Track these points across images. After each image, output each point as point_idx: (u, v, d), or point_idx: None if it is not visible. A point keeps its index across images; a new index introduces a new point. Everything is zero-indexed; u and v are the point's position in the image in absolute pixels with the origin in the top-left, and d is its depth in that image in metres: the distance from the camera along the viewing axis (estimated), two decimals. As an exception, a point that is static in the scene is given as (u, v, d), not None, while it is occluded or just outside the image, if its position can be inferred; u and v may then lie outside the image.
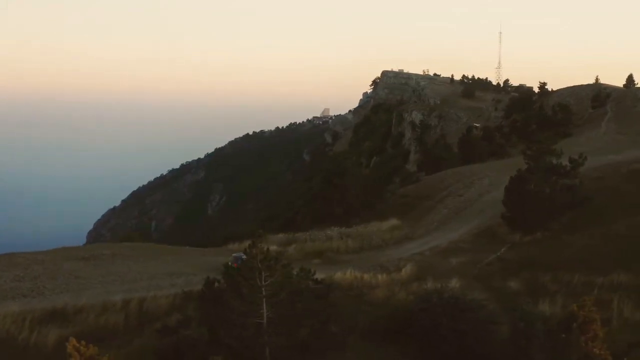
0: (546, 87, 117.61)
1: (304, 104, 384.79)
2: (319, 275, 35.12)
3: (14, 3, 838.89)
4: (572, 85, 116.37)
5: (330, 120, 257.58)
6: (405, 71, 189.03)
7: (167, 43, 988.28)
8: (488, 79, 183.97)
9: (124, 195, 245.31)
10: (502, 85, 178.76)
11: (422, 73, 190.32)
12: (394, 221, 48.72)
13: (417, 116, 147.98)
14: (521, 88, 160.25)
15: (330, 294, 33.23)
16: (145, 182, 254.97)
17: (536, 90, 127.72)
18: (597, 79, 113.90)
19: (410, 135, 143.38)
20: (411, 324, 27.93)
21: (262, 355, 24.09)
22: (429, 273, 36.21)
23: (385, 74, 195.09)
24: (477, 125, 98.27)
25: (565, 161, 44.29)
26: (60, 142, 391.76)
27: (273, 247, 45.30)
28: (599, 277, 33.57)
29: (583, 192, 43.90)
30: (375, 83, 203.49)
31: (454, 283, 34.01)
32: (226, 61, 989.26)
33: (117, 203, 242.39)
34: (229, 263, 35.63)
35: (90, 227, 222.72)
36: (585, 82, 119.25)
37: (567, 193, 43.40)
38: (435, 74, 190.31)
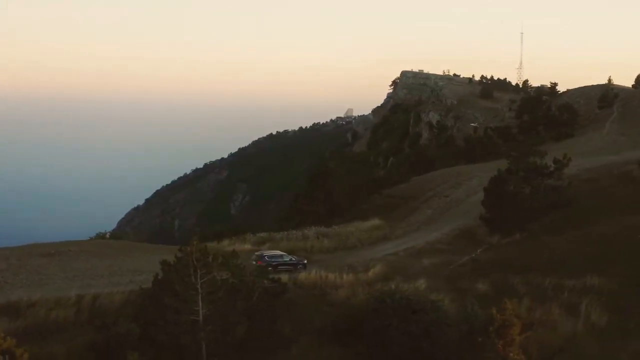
0: (557, 87, 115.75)
1: (328, 104, 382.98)
2: (283, 275, 35.19)
3: (15, 3, 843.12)
4: (585, 85, 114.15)
5: (353, 121, 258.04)
6: (425, 71, 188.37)
7: (193, 42, 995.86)
8: (507, 80, 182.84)
9: (148, 194, 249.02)
10: (521, 85, 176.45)
11: (442, 73, 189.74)
12: (375, 221, 48.09)
13: (434, 116, 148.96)
14: (541, 89, 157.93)
15: (291, 293, 33.15)
16: (168, 182, 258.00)
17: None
18: (609, 80, 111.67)
19: (428, 135, 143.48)
20: (363, 325, 27.40)
21: (198, 352, 23.75)
22: (397, 274, 35.56)
23: (404, 74, 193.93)
24: (475, 125, 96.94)
25: (550, 162, 43.40)
26: (86, 143, 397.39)
27: (247, 247, 45.19)
28: (572, 279, 32.68)
29: (568, 193, 42.97)
30: (395, 83, 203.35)
31: (421, 284, 33.33)
32: (251, 61, 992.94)
33: (141, 202, 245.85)
34: (252, 262, 37.01)
35: (114, 226, 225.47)
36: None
37: (551, 194, 42.47)
38: (455, 75, 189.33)
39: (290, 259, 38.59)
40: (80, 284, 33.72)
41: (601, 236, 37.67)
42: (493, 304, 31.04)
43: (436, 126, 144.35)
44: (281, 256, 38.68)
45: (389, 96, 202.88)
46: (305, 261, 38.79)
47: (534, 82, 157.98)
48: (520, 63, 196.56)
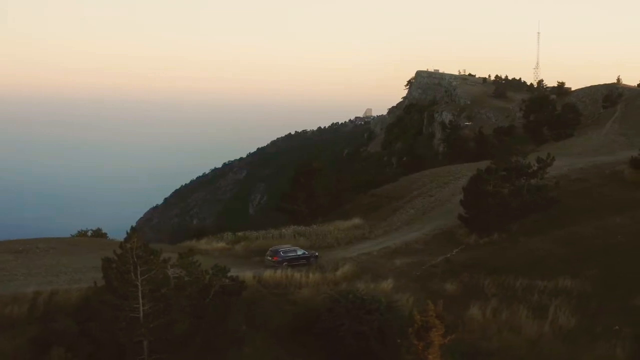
0: (565, 87, 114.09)
1: (348, 104, 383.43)
2: (250, 273, 34.81)
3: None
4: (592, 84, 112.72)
5: (371, 121, 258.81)
6: (441, 71, 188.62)
7: (213, 42, 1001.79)
8: (522, 80, 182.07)
9: (167, 194, 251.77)
10: (536, 85, 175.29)
11: (457, 73, 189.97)
12: (356, 221, 47.59)
13: (446, 116, 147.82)
14: (557, 89, 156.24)
15: (254, 292, 32.78)
16: (188, 181, 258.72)
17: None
18: (618, 79, 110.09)
19: (440, 135, 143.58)
20: (317, 324, 26.95)
21: (139, 349, 23.40)
22: (367, 273, 35.08)
23: (419, 74, 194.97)
24: (468, 124, 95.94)
25: (533, 162, 42.70)
26: (105, 143, 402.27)
27: (220, 245, 44.88)
28: (544, 281, 32.09)
29: (552, 193, 42.17)
30: (410, 83, 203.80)
31: (388, 284, 32.82)
32: (271, 61, 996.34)
33: (160, 202, 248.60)
34: (268, 257, 37.85)
35: (134, 224, 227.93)
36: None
37: (534, 194, 41.69)
38: (470, 75, 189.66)
39: (304, 253, 38.81)
40: (41, 280, 33.45)
41: (580, 237, 36.97)
42: (460, 305, 30.76)
43: (449, 126, 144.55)
44: (295, 250, 38.87)
45: (405, 96, 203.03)
46: (317, 254, 39.18)
47: (551, 82, 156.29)
48: (537, 63, 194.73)
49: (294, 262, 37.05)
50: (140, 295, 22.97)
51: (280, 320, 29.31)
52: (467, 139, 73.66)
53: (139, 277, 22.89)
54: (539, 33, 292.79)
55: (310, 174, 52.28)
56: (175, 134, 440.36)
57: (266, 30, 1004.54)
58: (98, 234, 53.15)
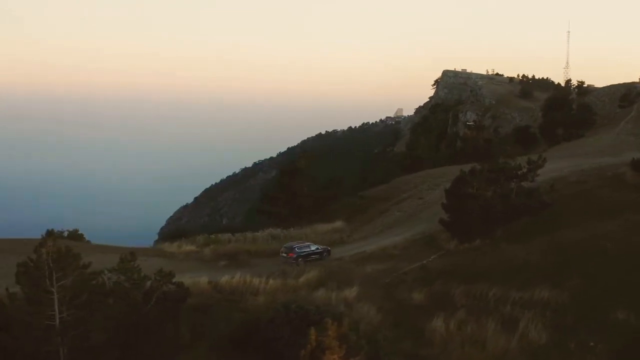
0: (584, 86, 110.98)
1: (379, 104, 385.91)
2: (206, 278, 33.57)
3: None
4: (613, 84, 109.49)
5: (401, 120, 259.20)
6: (468, 71, 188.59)
7: (243, 44, 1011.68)
8: (549, 79, 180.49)
9: (197, 193, 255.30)
10: (563, 85, 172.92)
11: (485, 73, 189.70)
12: (338, 224, 46.05)
13: (471, 116, 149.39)
14: (584, 88, 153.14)
15: (206, 298, 31.55)
16: (218, 180, 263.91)
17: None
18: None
19: (465, 135, 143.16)
20: (256, 335, 25.46)
21: (56, 357, 22.15)
22: (332, 280, 33.52)
23: (445, 73, 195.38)
24: (471, 124, 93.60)
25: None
26: (136, 142, 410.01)
27: (189, 248, 43.63)
28: (520, 291, 30.14)
29: (544, 196, 40.19)
30: (437, 83, 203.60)
31: (351, 292, 31.19)
32: (301, 60, 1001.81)
33: (190, 200, 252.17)
34: (283, 255, 38.52)
35: (163, 224, 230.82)
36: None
37: (523, 197, 39.75)
38: (498, 74, 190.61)
39: (317, 248, 39.89)
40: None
41: (567, 243, 34.95)
42: (424, 316, 29.01)
43: (473, 126, 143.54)
44: (308, 246, 39.88)
45: (432, 96, 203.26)
46: (330, 248, 40.45)
47: (585, 82, 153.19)
48: (567, 62, 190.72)
49: (308, 258, 38.37)
50: (56, 302, 21.73)
51: (224, 329, 27.91)
52: (469, 139, 71.54)
53: (54, 283, 21.64)
54: (568, 32, 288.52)
55: (293, 174, 50.76)
56: (206, 134, 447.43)
57: (297, 31, 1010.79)
58: (73, 235, 52.13)
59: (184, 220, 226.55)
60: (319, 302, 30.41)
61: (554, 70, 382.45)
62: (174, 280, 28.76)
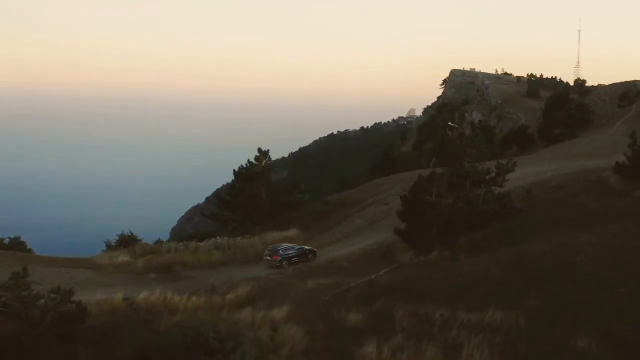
0: (586, 84, 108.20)
1: (391, 104, 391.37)
2: (121, 294, 30.95)
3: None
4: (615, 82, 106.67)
5: (413, 120, 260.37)
6: (477, 70, 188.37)
7: (256, 43, 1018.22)
8: (560, 78, 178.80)
9: (208, 192, 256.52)
10: (572, 84, 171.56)
11: (494, 72, 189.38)
12: (293, 232, 43.30)
13: (476, 116, 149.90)
14: (585, 87, 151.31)
15: (119, 316, 28.91)
16: (229, 180, 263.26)
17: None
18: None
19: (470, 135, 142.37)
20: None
21: None
22: (265, 297, 30.77)
23: (453, 72, 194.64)
24: (454, 125, 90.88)
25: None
26: (147, 142, 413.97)
27: (122, 259, 40.91)
28: (471, 312, 27.29)
29: (514, 203, 37.39)
30: (445, 82, 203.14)
31: (281, 312, 28.40)
32: (313, 60, 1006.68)
33: (202, 201, 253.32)
34: (267, 258, 37.28)
35: (175, 224, 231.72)
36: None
37: (492, 204, 36.94)
38: (506, 73, 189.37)
39: (302, 249, 39.05)
40: None
41: (532, 256, 32.04)
42: (357, 341, 26.20)
43: (478, 126, 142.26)
44: (293, 247, 39.02)
45: (440, 95, 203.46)
46: (315, 249, 39.62)
47: (592, 81, 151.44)
48: (577, 61, 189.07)
49: (294, 260, 37.48)
50: None
51: (127, 353, 25.22)
52: (450, 141, 68.62)
53: None
54: (579, 30, 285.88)
55: (249, 178, 47.96)
56: (217, 134, 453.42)
57: (309, 30, 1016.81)
58: (14, 243, 49.55)
59: (195, 220, 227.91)
60: (241, 324, 27.86)
61: (565, 69, 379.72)
62: (73, 298, 26.25)
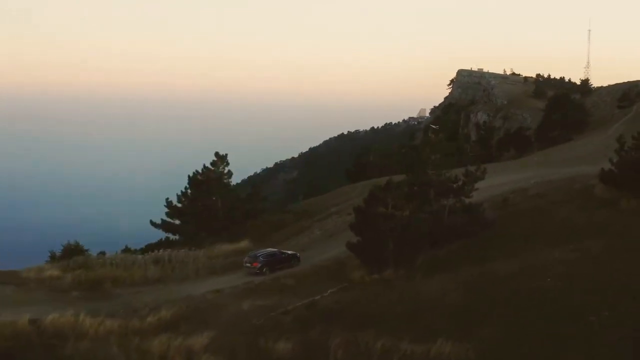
0: (588, 84, 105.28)
1: (402, 104, 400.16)
2: (41, 313, 28.37)
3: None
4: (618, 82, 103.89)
5: (423, 121, 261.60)
6: (485, 70, 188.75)
7: (264, 43, 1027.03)
8: (570, 79, 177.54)
9: None
10: (584, 84, 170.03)
11: (503, 72, 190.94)
12: (245, 244, 40.48)
13: (481, 117, 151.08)
14: (588, 87, 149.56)
15: (19, 342, 26.16)
16: (239, 181, 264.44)
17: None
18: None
19: (475, 137, 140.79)
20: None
21: None
22: (191, 321, 27.92)
23: (460, 72, 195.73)
24: (436, 127, 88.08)
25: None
26: (156, 141, 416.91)
27: (52, 272, 38.05)
28: (417, 343, 24.18)
29: (486, 214, 34.51)
30: (452, 82, 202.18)
31: (202, 339, 25.43)
32: (324, 60, 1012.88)
33: None
34: (247, 265, 36.62)
35: None
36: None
37: (463, 215, 34.08)
38: (514, 73, 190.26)
39: (284, 254, 38.66)
40: None
41: (496, 277, 29.04)
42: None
43: (483, 127, 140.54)
44: (274, 253, 38.53)
45: (447, 96, 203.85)
46: (299, 254, 39.23)
47: (602, 81, 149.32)
48: (587, 62, 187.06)
49: (276, 266, 36.92)
50: None
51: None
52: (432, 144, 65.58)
53: None
54: (589, 30, 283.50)
55: (205, 185, 45.04)
56: (226, 133, 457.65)
57: (317, 30, 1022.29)
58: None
59: None
60: (153, 353, 24.97)
61: (576, 70, 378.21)
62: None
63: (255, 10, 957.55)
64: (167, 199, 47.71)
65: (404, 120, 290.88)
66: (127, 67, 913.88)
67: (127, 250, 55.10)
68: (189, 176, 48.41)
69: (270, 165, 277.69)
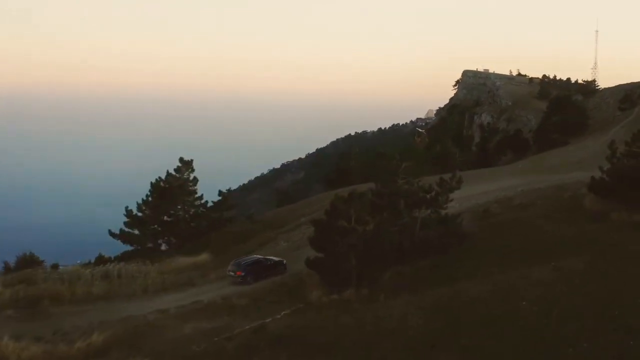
0: (592, 85, 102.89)
1: (410, 105, 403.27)
2: None
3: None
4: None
5: (431, 122, 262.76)
6: (491, 71, 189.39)
7: (271, 42, 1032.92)
8: (575, 80, 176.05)
9: (212, 194, 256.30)
10: (583, 85, 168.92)
11: (509, 73, 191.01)
12: (203, 257, 38.16)
13: (486, 118, 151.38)
14: (590, 88, 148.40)
15: None
16: (245, 182, 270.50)
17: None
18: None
19: (479, 139, 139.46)
20: None
21: None
22: (126, 345, 25.55)
23: (465, 73, 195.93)
24: (422, 132, 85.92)
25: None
26: (162, 141, 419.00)
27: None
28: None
29: (461, 227, 32.15)
30: (458, 83, 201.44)
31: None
32: (331, 61, 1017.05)
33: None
34: (230, 274, 35.23)
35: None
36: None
37: (435, 228, 31.71)
38: (520, 74, 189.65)
39: (270, 261, 37.27)
40: None
41: (467, 301, 26.65)
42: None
43: (487, 129, 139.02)
44: (259, 261, 36.98)
45: (452, 97, 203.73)
46: (285, 262, 37.92)
47: (611, 83, 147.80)
48: (595, 63, 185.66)
49: (261, 274, 35.40)
50: None
51: None
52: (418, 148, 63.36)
53: None
54: (597, 31, 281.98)
55: (168, 193, 42.58)
56: (232, 133, 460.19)
57: (325, 30, 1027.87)
58: None
59: None
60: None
61: (584, 71, 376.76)
62: None
63: (255, 10, 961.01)
64: (127, 207, 45.41)
65: (411, 121, 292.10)
66: (127, 67, 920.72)
67: (100, 258, 52.77)
68: (151, 183, 45.99)
69: (277, 166, 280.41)
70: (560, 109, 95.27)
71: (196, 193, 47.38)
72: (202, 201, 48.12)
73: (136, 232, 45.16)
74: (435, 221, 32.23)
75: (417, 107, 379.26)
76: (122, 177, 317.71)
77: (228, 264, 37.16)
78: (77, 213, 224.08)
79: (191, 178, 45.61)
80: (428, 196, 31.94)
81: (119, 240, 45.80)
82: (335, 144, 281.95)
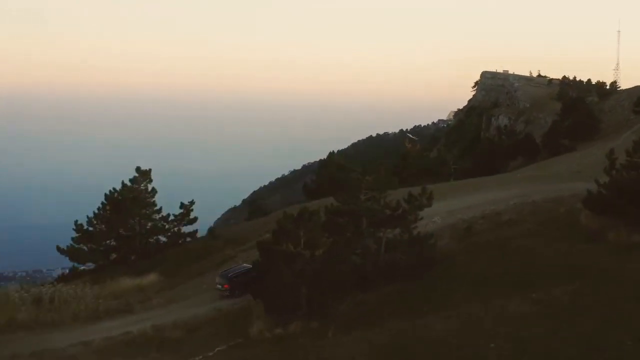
0: (607, 87, 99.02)
1: (433, 106, 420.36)
2: None
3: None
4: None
5: (452, 123, 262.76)
6: (511, 72, 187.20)
7: (291, 43, 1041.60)
8: (596, 81, 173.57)
9: (245, 194, 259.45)
10: (608, 87, 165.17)
11: (529, 74, 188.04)
12: (152, 278, 35.03)
13: (503, 120, 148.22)
14: (606, 90, 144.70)
15: None
16: (266, 183, 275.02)
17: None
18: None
19: (497, 141, 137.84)
20: None
21: None
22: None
23: (484, 74, 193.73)
24: (414, 138, 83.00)
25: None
26: (182, 142, 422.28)
27: None
28: None
29: (430, 252, 28.90)
30: (477, 84, 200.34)
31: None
32: (353, 61, 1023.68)
33: (238, 203, 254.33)
34: (218, 286, 32.88)
35: (212, 225, 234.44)
36: None
37: (404, 251, 28.44)
38: (540, 75, 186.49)
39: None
40: None
41: (427, 340, 23.32)
42: None
43: (504, 131, 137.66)
44: (246, 272, 33.18)
45: (471, 98, 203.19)
46: None
47: (633, 84, 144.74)
48: (617, 63, 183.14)
49: (251, 285, 30.31)
50: None
51: None
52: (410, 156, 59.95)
53: None
54: (619, 31, 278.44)
55: (122, 206, 39.53)
56: (253, 134, 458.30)
57: (347, 31, 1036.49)
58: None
59: (230, 222, 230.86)
60: None
61: (606, 73, 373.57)
62: None
63: (255, 10, 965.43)
64: (77, 221, 42.47)
65: (433, 123, 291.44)
66: (127, 67, 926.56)
67: (74, 270, 49.99)
68: (105, 194, 43.06)
69: (298, 167, 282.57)
70: (573, 111, 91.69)
71: (155, 205, 44.33)
72: (162, 214, 45.07)
73: (84, 248, 42.30)
74: (405, 242, 28.94)
75: (439, 108, 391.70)
76: (122, 177, 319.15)
77: (176, 286, 34.20)
78: (77, 213, 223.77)
79: (149, 189, 42.59)
80: (395, 214, 28.64)
81: (67, 257, 42.83)
82: (356, 145, 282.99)
